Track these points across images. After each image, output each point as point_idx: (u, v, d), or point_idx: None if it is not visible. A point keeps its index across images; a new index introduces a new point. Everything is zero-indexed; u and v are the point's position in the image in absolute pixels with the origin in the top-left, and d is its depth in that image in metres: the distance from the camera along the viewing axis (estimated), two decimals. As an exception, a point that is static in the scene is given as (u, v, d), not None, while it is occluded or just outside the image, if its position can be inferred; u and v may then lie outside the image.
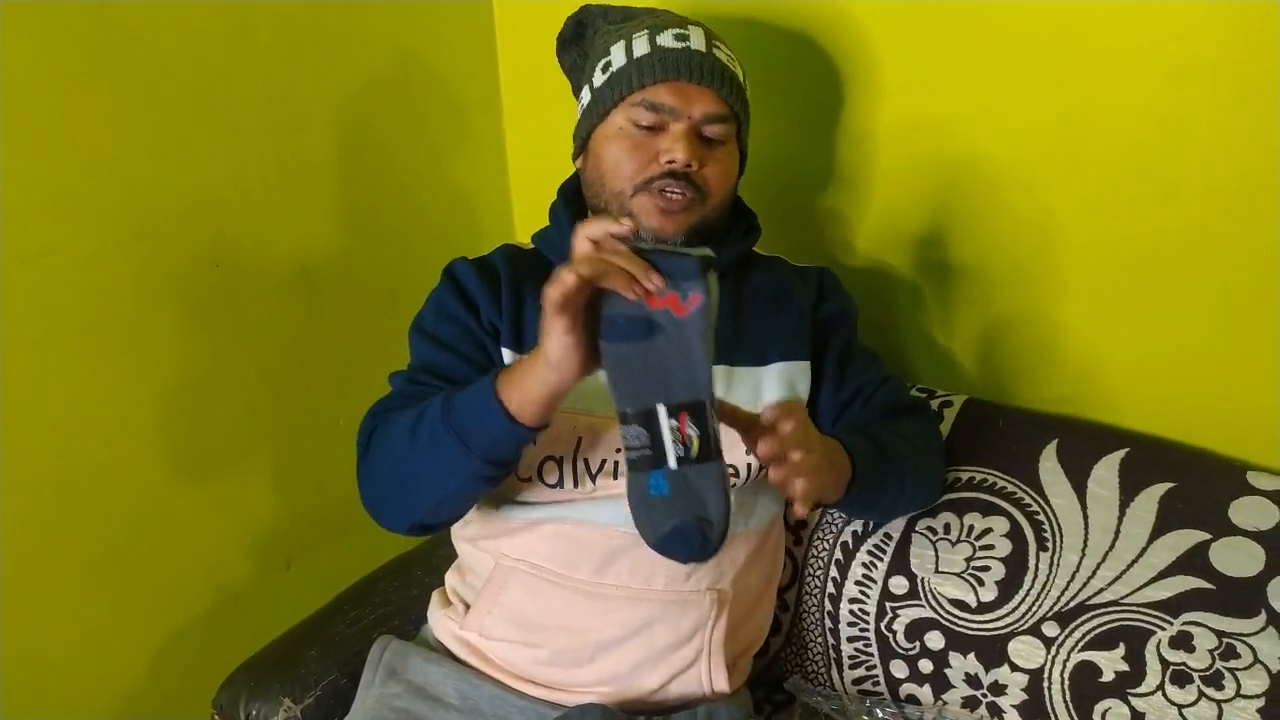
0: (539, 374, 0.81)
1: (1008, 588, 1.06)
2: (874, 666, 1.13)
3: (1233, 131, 1.02)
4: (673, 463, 0.76)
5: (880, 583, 1.12)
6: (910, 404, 1.12)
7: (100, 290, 1.11)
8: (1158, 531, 1.02)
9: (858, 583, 1.13)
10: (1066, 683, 1.02)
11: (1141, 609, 1.00)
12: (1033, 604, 1.05)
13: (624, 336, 0.76)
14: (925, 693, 1.10)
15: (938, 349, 1.28)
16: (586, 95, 1.04)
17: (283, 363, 1.31)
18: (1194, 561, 1.00)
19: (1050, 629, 1.04)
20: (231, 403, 1.26)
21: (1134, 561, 1.02)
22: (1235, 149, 1.02)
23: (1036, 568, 1.06)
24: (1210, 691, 0.96)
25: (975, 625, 1.07)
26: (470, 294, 1.02)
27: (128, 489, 1.18)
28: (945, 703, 1.09)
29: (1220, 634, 0.97)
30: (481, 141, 1.52)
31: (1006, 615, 1.06)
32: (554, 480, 0.99)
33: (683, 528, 0.79)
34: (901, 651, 1.11)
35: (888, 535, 1.13)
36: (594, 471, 0.99)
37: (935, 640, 1.09)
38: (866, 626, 1.12)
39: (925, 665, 1.09)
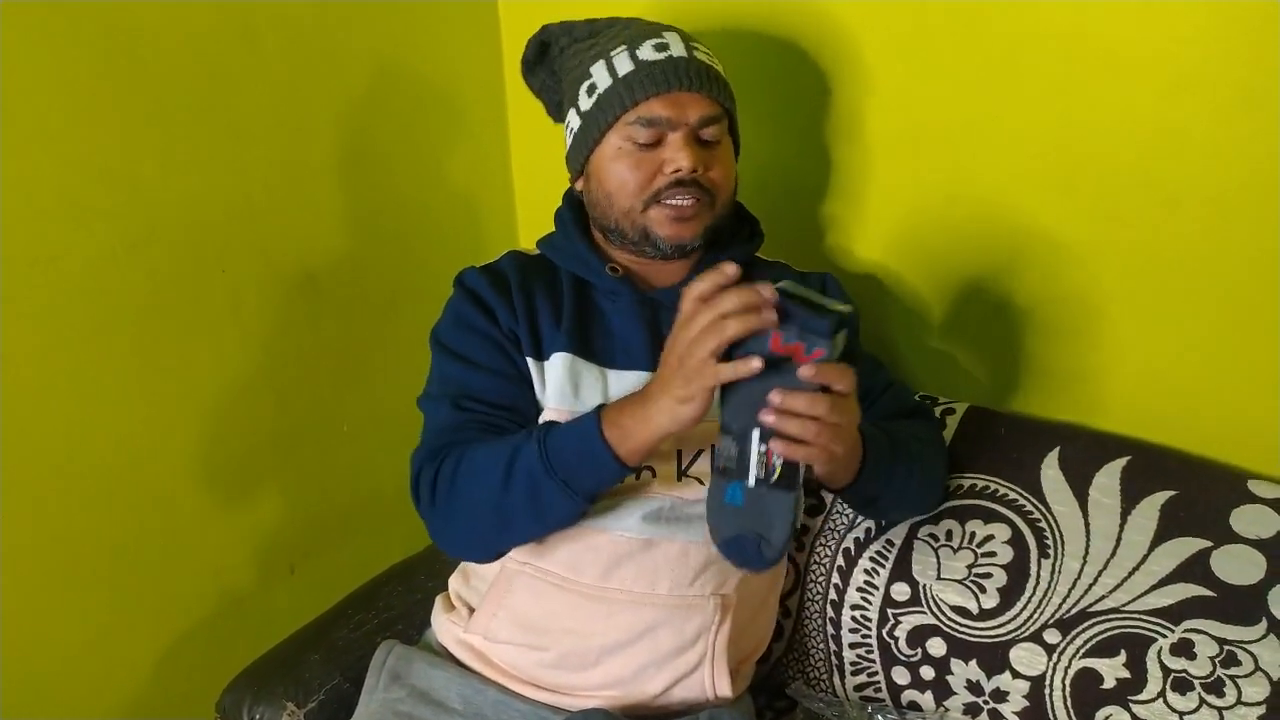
0: (664, 427, 0.85)
1: (1009, 595, 1.07)
2: (876, 673, 1.13)
3: (1233, 140, 1.02)
4: (752, 481, 0.83)
5: (882, 589, 1.12)
6: (915, 408, 1.12)
7: (106, 295, 1.12)
8: (1159, 539, 1.03)
9: (860, 589, 1.13)
10: (1068, 690, 1.02)
11: (1143, 616, 1.01)
12: (1034, 611, 1.05)
13: None
14: (927, 699, 1.10)
15: (940, 356, 1.28)
16: (575, 119, 1.03)
17: (287, 367, 1.32)
18: (1195, 569, 1.00)
19: (1052, 636, 1.04)
20: (236, 407, 1.26)
21: (1135, 569, 1.02)
22: (1235, 157, 1.02)
23: (1038, 575, 1.06)
24: (1211, 699, 0.96)
25: (977, 632, 1.07)
26: (486, 302, 1.02)
27: (132, 493, 1.18)
28: (947, 709, 1.09)
29: (1221, 641, 0.97)
30: (486, 147, 1.53)
31: (1008, 622, 1.06)
32: None
33: (744, 539, 0.86)
34: (903, 658, 1.11)
35: (890, 542, 1.13)
36: None
37: (937, 647, 1.09)
38: (868, 633, 1.13)
39: (927, 672, 1.10)
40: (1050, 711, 1.03)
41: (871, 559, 1.13)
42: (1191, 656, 0.98)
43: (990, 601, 1.07)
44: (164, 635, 1.25)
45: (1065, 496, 1.08)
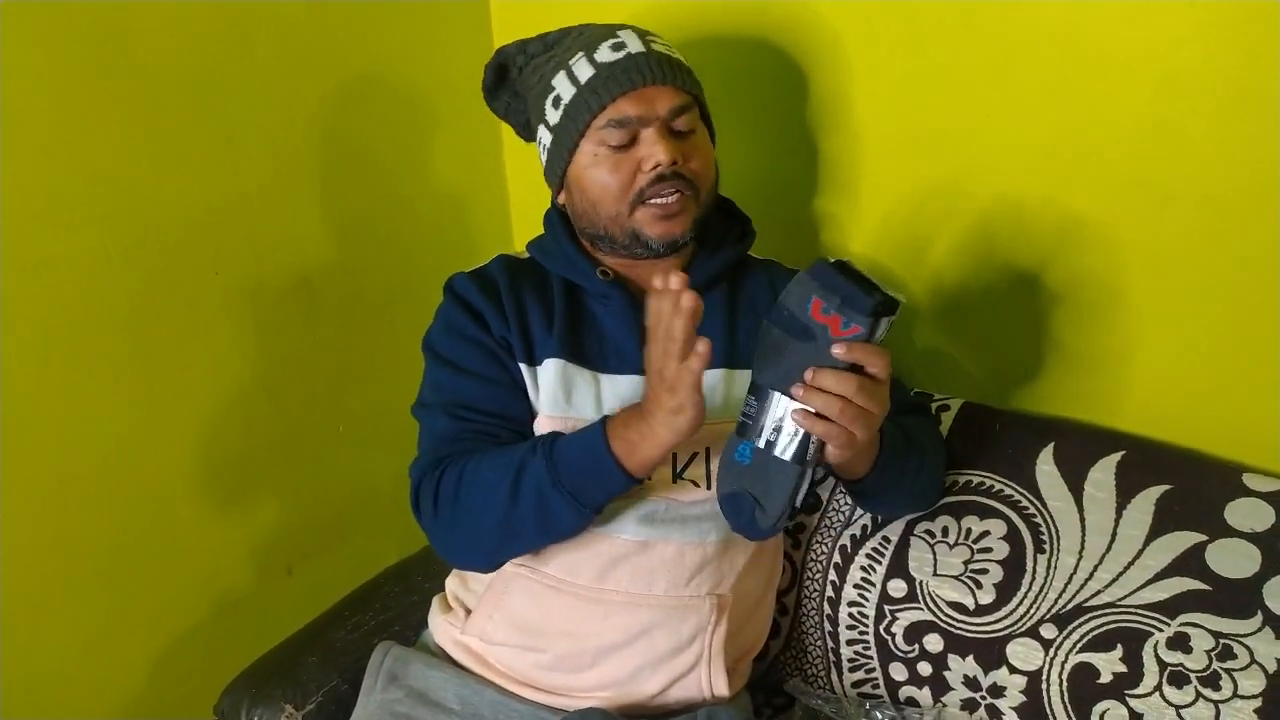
0: (666, 439, 0.87)
1: (1006, 590, 1.07)
2: (873, 669, 1.13)
3: (1227, 138, 1.02)
4: (762, 443, 0.85)
5: (879, 586, 1.12)
6: (913, 405, 1.12)
7: (100, 299, 1.12)
8: (1154, 533, 1.03)
9: (856, 586, 1.14)
10: (1065, 684, 1.02)
11: (1139, 610, 1.01)
12: (1031, 606, 1.05)
13: (783, 326, 0.84)
14: (924, 695, 1.10)
15: (934, 352, 1.28)
16: (546, 135, 1.03)
17: (282, 370, 1.32)
18: (1190, 563, 1.00)
19: (1048, 631, 1.04)
20: (231, 410, 1.26)
21: (1131, 563, 1.03)
22: (1231, 155, 1.03)
23: (1034, 570, 1.06)
24: (1208, 692, 0.96)
25: (974, 628, 1.07)
26: (477, 309, 1.02)
27: (128, 496, 1.18)
28: (944, 705, 1.09)
29: (1217, 635, 0.97)
30: (479, 149, 1.52)
31: (1005, 617, 1.06)
32: None
33: (741, 497, 0.87)
34: (900, 654, 1.11)
35: (886, 538, 1.13)
36: None
37: (934, 643, 1.09)
38: (865, 629, 1.13)
39: (924, 668, 1.10)
40: (1047, 706, 1.03)
41: (868, 555, 1.13)
42: (1188, 650, 0.98)
43: (987, 597, 1.07)
44: (162, 637, 1.25)
45: (1060, 492, 1.08)
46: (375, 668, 1.08)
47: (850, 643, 1.14)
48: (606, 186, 0.98)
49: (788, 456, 0.84)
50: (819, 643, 1.16)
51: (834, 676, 1.16)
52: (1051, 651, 1.03)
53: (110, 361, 1.14)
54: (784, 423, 0.84)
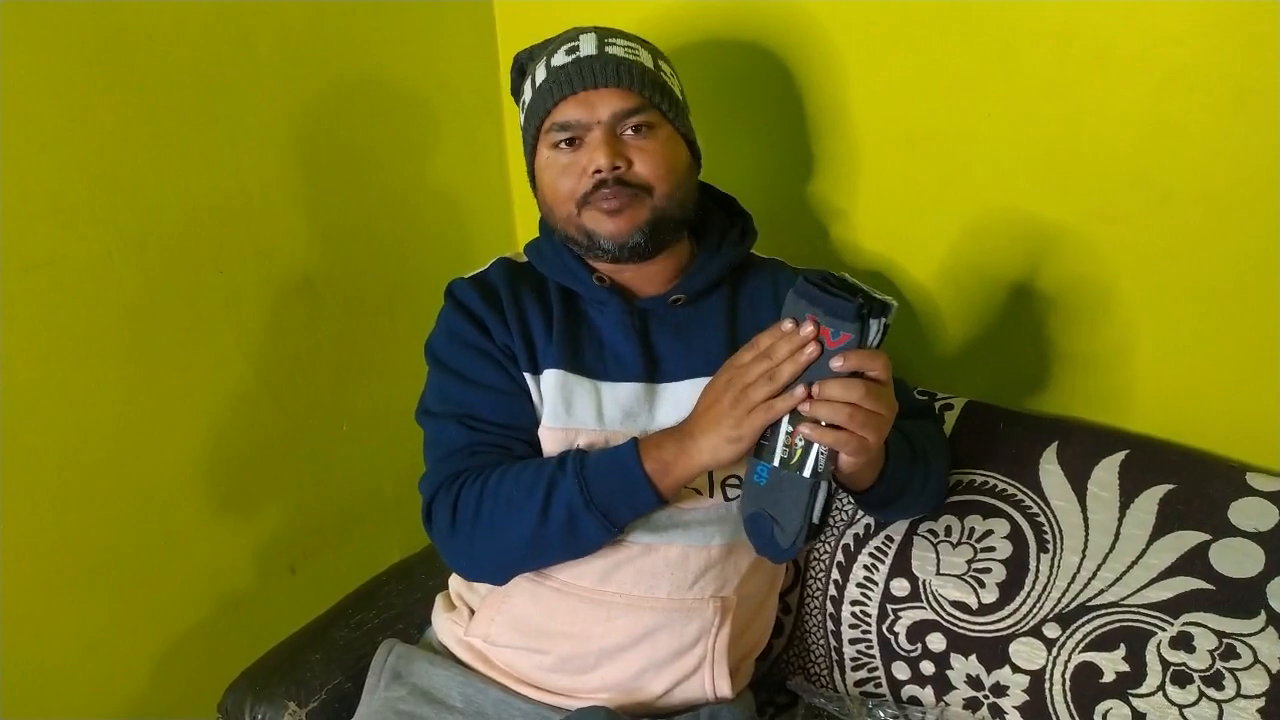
0: (705, 463, 0.90)
1: (1009, 589, 1.07)
2: (876, 668, 1.13)
3: (1227, 136, 1.02)
4: (776, 461, 0.86)
5: (882, 585, 1.12)
6: (918, 407, 1.12)
7: (103, 298, 1.12)
8: (1158, 533, 1.03)
9: (859, 585, 1.14)
10: (1068, 684, 1.02)
11: (1142, 610, 1.01)
12: (1034, 605, 1.05)
13: None
14: (927, 694, 1.10)
15: (937, 352, 1.28)
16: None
17: (285, 369, 1.32)
18: (1194, 562, 1.00)
19: (1051, 630, 1.04)
20: (234, 409, 1.26)
21: (1134, 563, 1.02)
22: (1230, 152, 1.02)
23: (1037, 569, 1.06)
24: (1211, 692, 0.96)
25: (976, 627, 1.07)
26: (478, 316, 1.01)
27: (131, 495, 1.19)
28: (947, 704, 1.09)
29: (1220, 634, 0.97)
30: (482, 149, 1.52)
31: (1008, 617, 1.06)
32: None
33: (760, 518, 0.88)
34: (903, 653, 1.11)
35: (889, 538, 1.13)
36: None
37: (937, 642, 1.09)
38: (868, 629, 1.13)
39: (927, 667, 1.10)
40: (1050, 705, 1.03)
41: (871, 555, 1.13)
42: (1191, 650, 0.98)
43: (990, 596, 1.07)
44: (165, 636, 1.25)
45: (1064, 491, 1.08)
46: (379, 665, 1.08)
47: (853, 642, 1.14)
48: (557, 189, 0.99)
49: (802, 472, 0.85)
50: (822, 642, 1.16)
51: (837, 675, 1.16)
52: (1054, 651, 1.04)
53: (112, 361, 1.14)
54: (795, 439, 0.85)
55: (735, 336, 1.03)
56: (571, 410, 0.98)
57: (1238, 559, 0.99)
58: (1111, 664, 1.01)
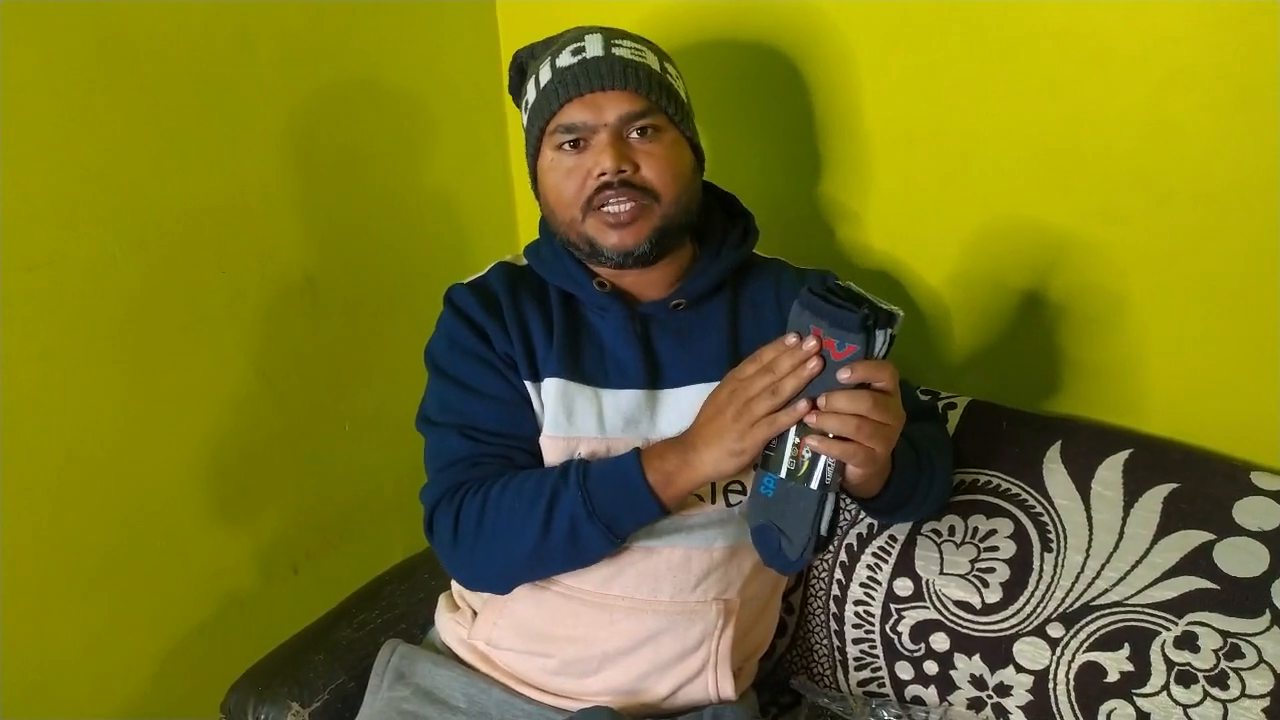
0: (707, 474, 0.89)
1: (1012, 589, 1.07)
2: (879, 668, 1.13)
3: (1228, 135, 1.02)
4: (783, 473, 0.86)
5: (885, 585, 1.12)
6: (922, 409, 1.11)
7: (104, 298, 1.11)
8: (1162, 532, 1.02)
9: (863, 585, 1.13)
10: (1071, 683, 1.02)
11: (1146, 609, 1.01)
12: (1037, 605, 1.05)
13: None
14: (930, 694, 1.10)
15: (940, 351, 1.28)
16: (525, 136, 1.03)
17: (286, 369, 1.31)
18: (1198, 562, 1.00)
19: (1055, 630, 1.04)
20: (235, 409, 1.26)
21: (1138, 562, 1.02)
22: (1230, 153, 1.02)
23: (1041, 569, 1.06)
24: (1215, 691, 0.96)
25: (980, 627, 1.07)
26: (478, 323, 1.00)
27: (133, 496, 1.18)
28: (951, 704, 1.09)
29: (1225, 634, 0.97)
30: (484, 150, 1.52)
31: (1011, 616, 1.06)
32: None
33: (768, 530, 0.88)
34: (907, 653, 1.11)
35: (892, 538, 1.13)
36: None
37: (940, 642, 1.09)
38: (872, 628, 1.13)
39: (930, 667, 1.10)
40: (1054, 705, 1.03)
41: (874, 555, 1.13)
42: (1195, 649, 0.98)
43: (993, 596, 1.07)
44: (167, 636, 1.25)
45: (1068, 490, 1.08)
46: (382, 666, 1.08)
47: (856, 641, 1.14)
48: (561, 193, 0.98)
49: (809, 484, 0.85)
50: (825, 641, 1.16)
51: (840, 675, 1.16)
52: (1058, 650, 1.03)
53: (113, 361, 1.14)
54: (802, 450, 0.85)
55: (737, 339, 1.03)
56: (573, 419, 0.98)
57: (1242, 558, 0.99)
58: (1116, 664, 1.00)
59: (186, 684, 1.26)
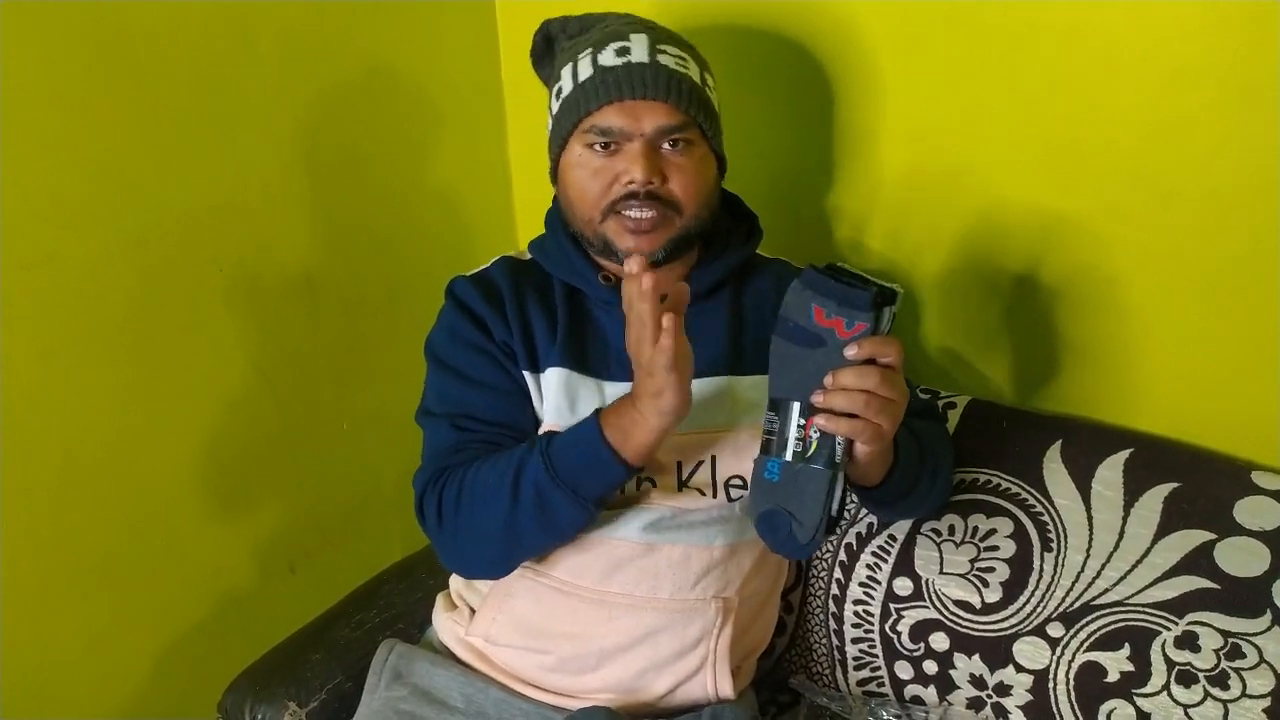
0: (654, 424, 0.87)
1: (1012, 589, 1.06)
2: (879, 668, 1.13)
3: (1231, 134, 1.02)
4: (789, 455, 0.85)
5: (885, 584, 1.12)
6: (923, 407, 1.11)
7: (102, 297, 1.11)
8: (1162, 531, 1.02)
9: (862, 584, 1.13)
10: (1072, 683, 1.02)
11: (1146, 609, 1.00)
12: (1037, 605, 1.05)
13: (791, 339, 0.85)
14: (930, 694, 1.10)
15: (941, 350, 1.28)
16: (550, 121, 1.02)
17: (285, 367, 1.31)
18: (1199, 561, 1.00)
19: (1055, 630, 1.03)
20: (234, 408, 1.26)
21: (1139, 562, 1.02)
22: (1234, 150, 1.02)
23: (1041, 568, 1.06)
24: (1216, 691, 0.96)
25: (980, 626, 1.07)
26: (478, 315, 1.01)
27: (131, 494, 1.18)
28: (950, 703, 1.09)
29: (1226, 634, 0.97)
30: (483, 146, 1.52)
31: (1011, 616, 1.06)
32: None
33: (776, 515, 0.87)
34: (906, 653, 1.11)
35: (892, 537, 1.13)
36: None
37: (940, 641, 1.09)
38: (871, 628, 1.12)
39: (930, 666, 1.09)
40: (1054, 705, 1.03)
41: (874, 554, 1.13)
42: (1196, 649, 0.97)
43: (993, 596, 1.07)
44: (165, 635, 1.25)
45: (1068, 490, 1.07)
46: (379, 665, 1.07)
47: (856, 641, 1.13)
48: (584, 190, 0.97)
49: (817, 463, 0.84)
50: (824, 641, 1.16)
51: (839, 675, 1.15)
52: (1058, 650, 1.03)
53: (112, 359, 1.14)
54: (809, 430, 0.84)
55: (739, 336, 1.03)
56: (575, 409, 0.98)
57: (1243, 558, 0.98)
58: (1116, 663, 1.00)
59: (184, 683, 1.26)
